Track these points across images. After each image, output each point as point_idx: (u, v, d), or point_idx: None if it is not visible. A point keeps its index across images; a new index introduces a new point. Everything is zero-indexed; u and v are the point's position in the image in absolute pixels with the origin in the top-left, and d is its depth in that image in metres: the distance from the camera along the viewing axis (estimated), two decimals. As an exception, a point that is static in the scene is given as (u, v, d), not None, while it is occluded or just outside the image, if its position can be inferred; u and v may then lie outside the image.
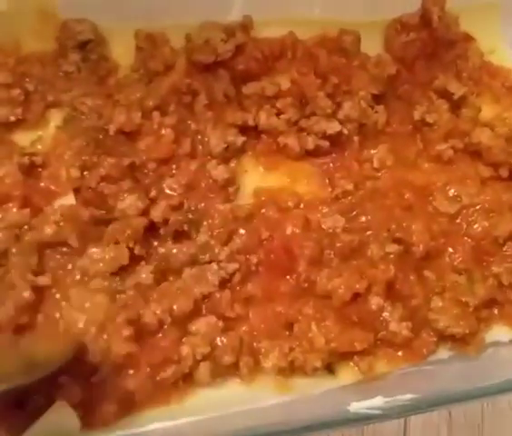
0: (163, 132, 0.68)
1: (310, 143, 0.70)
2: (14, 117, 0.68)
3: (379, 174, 0.71)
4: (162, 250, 0.65)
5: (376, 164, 0.71)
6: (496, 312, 0.67)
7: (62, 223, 0.63)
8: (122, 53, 0.72)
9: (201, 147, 0.69)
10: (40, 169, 0.67)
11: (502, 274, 0.66)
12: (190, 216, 0.66)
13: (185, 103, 0.71)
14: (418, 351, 0.64)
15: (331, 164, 0.71)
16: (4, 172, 0.64)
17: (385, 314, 0.63)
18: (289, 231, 0.66)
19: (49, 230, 0.62)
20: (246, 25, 0.72)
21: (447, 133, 0.73)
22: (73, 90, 0.70)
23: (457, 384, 0.62)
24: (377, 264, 0.65)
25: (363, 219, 0.68)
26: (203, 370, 0.60)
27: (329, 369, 0.62)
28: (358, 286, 0.63)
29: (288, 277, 0.65)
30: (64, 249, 0.63)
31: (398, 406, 0.56)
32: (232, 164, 0.69)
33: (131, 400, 0.59)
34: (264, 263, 0.65)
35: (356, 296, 0.63)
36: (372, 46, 0.76)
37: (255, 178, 0.70)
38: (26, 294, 0.60)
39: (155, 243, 0.65)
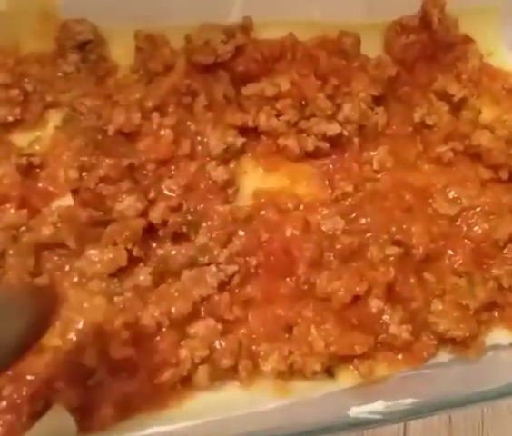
0: (163, 132, 0.68)
1: (310, 144, 0.69)
2: (13, 117, 0.67)
3: (379, 176, 0.70)
4: (160, 251, 0.64)
5: (376, 166, 0.70)
6: (496, 314, 0.67)
7: (59, 225, 0.62)
8: (121, 53, 0.72)
9: (200, 148, 0.69)
10: (38, 170, 0.66)
11: (502, 277, 0.66)
12: (189, 218, 0.65)
13: (185, 103, 0.70)
14: (418, 355, 0.63)
15: (331, 166, 0.71)
16: (1, 172, 0.64)
17: (385, 317, 0.63)
18: (288, 233, 0.66)
19: (47, 231, 0.62)
20: (246, 27, 0.72)
21: (447, 135, 0.72)
22: (72, 90, 0.69)
23: (458, 388, 0.61)
24: (377, 267, 0.65)
25: (363, 221, 0.68)
26: (202, 373, 0.60)
27: (329, 372, 0.62)
28: (358, 289, 0.63)
29: (287, 279, 0.65)
30: (62, 250, 0.63)
31: (398, 411, 0.56)
32: (232, 166, 0.69)
33: (128, 403, 0.58)
34: (264, 265, 0.65)
35: (356, 299, 0.63)
36: (372, 48, 0.76)
37: (255, 179, 0.70)
38: (23, 296, 0.60)
39: (154, 245, 0.65)
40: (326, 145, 0.70)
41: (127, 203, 0.64)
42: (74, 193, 0.65)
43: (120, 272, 0.62)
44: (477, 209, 0.69)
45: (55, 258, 0.63)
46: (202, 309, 0.63)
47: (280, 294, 0.64)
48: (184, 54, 0.71)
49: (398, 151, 0.72)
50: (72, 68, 0.70)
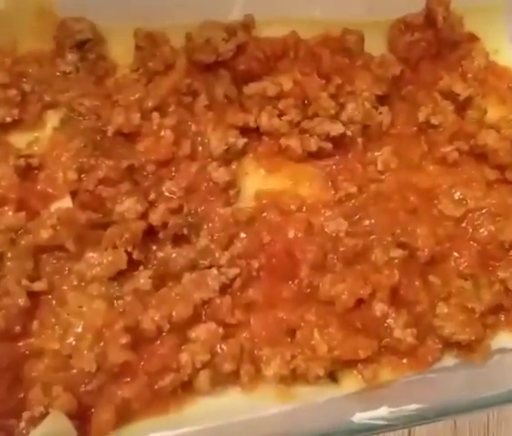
0: (163, 133, 0.67)
1: (313, 144, 0.68)
2: (11, 118, 0.67)
3: (383, 177, 0.70)
4: (161, 254, 0.64)
5: (380, 167, 0.70)
6: (502, 318, 0.66)
7: (58, 227, 0.62)
8: (121, 52, 0.71)
9: (201, 149, 0.68)
10: (36, 171, 0.66)
11: (508, 279, 0.65)
12: (189, 220, 0.65)
13: (185, 103, 0.70)
14: (423, 359, 0.63)
15: (334, 167, 0.70)
16: (-1, 174, 0.63)
17: (389, 321, 0.62)
18: (291, 234, 0.65)
19: (45, 234, 0.61)
20: (247, 25, 0.71)
21: (452, 134, 0.72)
22: (70, 90, 0.69)
23: (463, 392, 0.61)
24: (381, 269, 0.64)
25: (367, 223, 0.67)
26: (203, 378, 0.59)
27: (333, 377, 0.61)
28: (361, 292, 0.62)
29: (290, 282, 0.64)
30: (61, 253, 0.62)
31: (403, 416, 0.55)
32: (233, 167, 0.68)
33: (128, 409, 0.58)
34: (266, 268, 0.64)
35: (360, 302, 0.62)
36: (376, 46, 0.75)
37: (256, 180, 0.69)
38: (22, 300, 0.59)
39: (154, 248, 0.64)
40: (329, 146, 0.69)
41: (127, 205, 0.63)
42: (73, 194, 0.65)
43: (120, 276, 0.62)
44: (483, 210, 0.68)
45: (54, 261, 0.62)
46: (203, 312, 0.62)
47: (282, 298, 0.63)
48: (185, 53, 0.70)
49: (403, 151, 0.71)
50: (70, 68, 0.69)
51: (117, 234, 0.62)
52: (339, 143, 0.70)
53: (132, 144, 0.67)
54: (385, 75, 0.72)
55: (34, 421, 0.56)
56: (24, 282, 0.60)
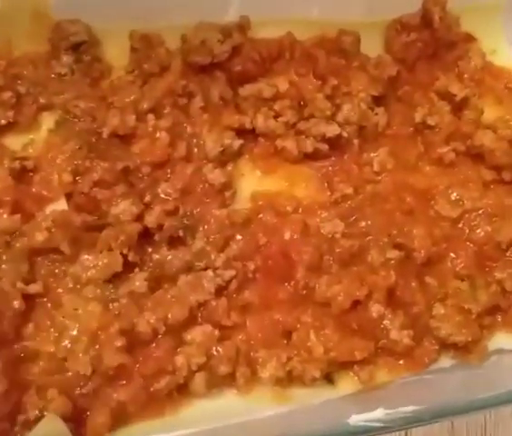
0: (158, 135, 0.67)
1: (309, 146, 0.68)
2: (6, 120, 0.66)
3: (380, 178, 0.69)
4: (156, 256, 0.63)
5: (376, 168, 0.69)
6: (499, 318, 0.66)
7: (53, 230, 0.61)
8: (116, 54, 0.71)
9: (196, 151, 0.68)
10: (31, 174, 0.66)
11: (505, 280, 0.65)
12: (185, 222, 0.65)
13: (181, 105, 0.69)
14: (419, 360, 0.62)
15: (330, 168, 0.70)
16: (-6, 176, 0.63)
17: (386, 322, 0.62)
18: (287, 236, 0.65)
19: (40, 236, 0.61)
20: (243, 26, 0.71)
21: (448, 135, 0.71)
22: (65, 92, 0.68)
23: (460, 394, 0.61)
24: (377, 270, 0.64)
25: (363, 224, 0.67)
26: (199, 380, 0.59)
27: (329, 378, 0.61)
28: (358, 293, 0.62)
29: (286, 284, 0.64)
30: (56, 256, 0.62)
31: (399, 418, 0.55)
32: (229, 168, 0.68)
33: (124, 411, 0.58)
34: (262, 270, 0.64)
35: (356, 303, 0.62)
36: (372, 47, 0.75)
37: (252, 182, 0.69)
38: (17, 303, 0.59)
39: (150, 250, 0.64)
40: (325, 147, 0.69)
41: (122, 207, 0.63)
42: (69, 197, 0.64)
43: (115, 278, 0.62)
44: (480, 211, 0.68)
45: (49, 264, 0.62)
46: (199, 315, 0.62)
47: (278, 299, 0.63)
48: (180, 55, 0.70)
49: (399, 152, 0.71)
50: (65, 70, 0.69)
51: (112, 237, 0.62)
52: (335, 144, 0.69)
53: (127, 146, 0.67)
54: (381, 76, 0.72)
55: (29, 425, 0.56)
56: (20, 284, 0.60)
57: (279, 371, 0.60)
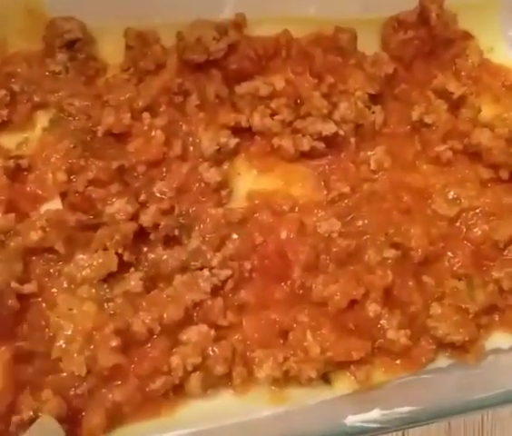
0: (154, 133, 0.66)
1: (306, 144, 0.68)
2: (0, 119, 0.66)
3: (377, 177, 0.69)
4: (151, 256, 0.63)
5: (373, 166, 0.69)
6: (496, 318, 0.65)
7: (48, 229, 0.61)
8: (111, 52, 0.71)
9: (192, 149, 0.68)
10: (26, 172, 0.65)
11: (502, 280, 0.65)
12: (181, 221, 0.64)
13: (176, 103, 0.69)
14: (416, 360, 0.62)
15: (327, 166, 0.69)
16: (-12, 175, 0.63)
17: (382, 322, 0.62)
18: (283, 235, 0.65)
19: (35, 236, 0.61)
20: (239, 23, 0.71)
21: (445, 133, 0.71)
22: (60, 90, 0.68)
23: (457, 393, 0.61)
24: (374, 270, 0.63)
25: (360, 223, 0.66)
26: (195, 381, 0.58)
27: (325, 379, 0.61)
28: (354, 293, 0.62)
29: (282, 284, 0.63)
30: (51, 255, 0.62)
31: (395, 419, 0.55)
32: (225, 167, 0.68)
33: (119, 412, 0.57)
34: (258, 269, 0.63)
35: (352, 303, 0.62)
36: (369, 45, 0.75)
37: (248, 181, 0.69)
38: (11, 303, 0.58)
39: (145, 249, 0.63)
40: (322, 145, 0.68)
41: (117, 207, 0.63)
42: (63, 196, 0.64)
43: (110, 278, 0.61)
44: (477, 210, 0.68)
45: (44, 263, 0.62)
46: (195, 314, 0.61)
47: (274, 299, 0.63)
48: (176, 52, 0.70)
49: (396, 150, 0.70)
50: (60, 68, 0.68)
51: (107, 236, 0.61)
52: (332, 142, 0.69)
53: (122, 145, 0.66)
54: (378, 74, 0.72)
55: (24, 426, 0.55)
56: (14, 284, 0.59)
57: (275, 372, 0.59)
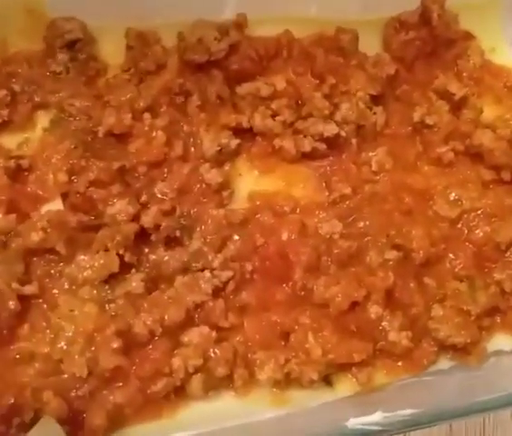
0: (155, 134, 0.66)
1: (307, 145, 0.68)
2: (0, 119, 0.66)
3: (378, 178, 0.69)
4: (153, 257, 0.63)
5: (374, 167, 0.69)
6: (498, 320, 0.65)
7: (49, 230, 0.61)
8: (112, 52, 0.70)
9: (193, 150, 0.68)
10: (27, 173, 0.65)
11: (504, 281, 0.65)
12: (182, 222, 0.64)
13: (177, 104, 0.69)
14: (418, 362, 0.62)
15: (328, 168, 0.69)
16: (-12, 176, 0.62)
17: (384, 323, 0.62)
18: (284, 236, 0.64)
19: (36, 237, 0.60)
20: (240, 24, 0.70)
21: (447, 135, 0.71)
22: (61, 91, 0.68)
23: (459, 395, 0.60)
24: (375, 271, 0.63)
25: (361, 224, 0.66)
26: (196, 383, 0.58)
27: (327, 381, 0.61)
28: (356, 294, 0.61)
29: (284, 285, 0.63)
30: (52, 256, 0.62)
31: (397, 421, 0.55)
32: (226, 168, 0.68)
33: (120, 414, 0.57)
34: (259, 271, 0.63)
35: (354, 305, 0.62)
36: (370, 45, 0.75)
37: (250, 182, 0.68)
38: (12, 304, 0.58)
39: (146, 250, 0.63)
40: (323, 146, 0.68)
41: (118, 207, 0.62)
42: (64, 196, 0.64)
43: (111, 279, 0.61)
44: (479, 211, 0.68)
45: (45, 264, 0.62)
46: (196, 316, 0.61)
47: (276, 300, 0.63)
48: (177, 53, 0.70)
49: (398, 152, 0.70)
50: (61, 68, 0.68)
51: (109, 237, 0.61)
52: (333, 143, 0.69)
53: (123, 145, 0.66)
54: (379, 75, 0.72)
55: (25, 427, 0.55)
56: (15, 285, 0.59)
57: (276, 373, 0.59)
